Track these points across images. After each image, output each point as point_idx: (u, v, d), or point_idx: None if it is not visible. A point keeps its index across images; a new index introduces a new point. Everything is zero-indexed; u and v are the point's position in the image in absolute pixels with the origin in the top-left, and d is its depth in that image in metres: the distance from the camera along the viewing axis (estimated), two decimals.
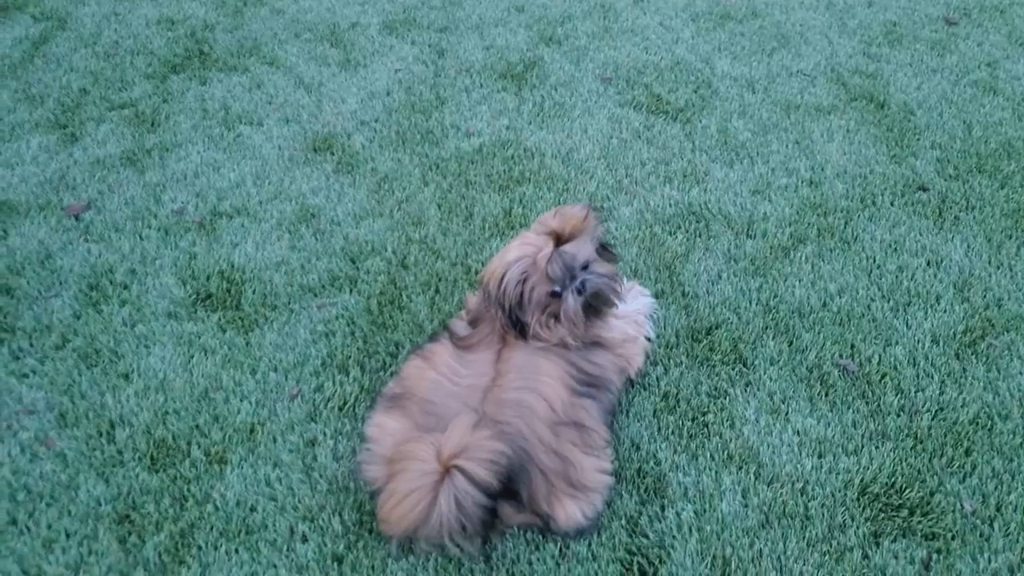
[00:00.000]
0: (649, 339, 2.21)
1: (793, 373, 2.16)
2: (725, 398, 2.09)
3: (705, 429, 2.02)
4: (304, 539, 1.76)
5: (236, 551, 1.72)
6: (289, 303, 2.33)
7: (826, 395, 2.10)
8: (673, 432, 2.01)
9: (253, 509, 1.81)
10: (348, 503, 1.82)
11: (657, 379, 2.14)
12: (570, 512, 1.75)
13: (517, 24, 3.84)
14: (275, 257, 2.48)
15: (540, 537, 1.77)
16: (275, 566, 1.70)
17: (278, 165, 2.87)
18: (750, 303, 2.37)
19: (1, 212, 2.60)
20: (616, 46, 3.69)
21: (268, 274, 2.42)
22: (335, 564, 1.71)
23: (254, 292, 2.36)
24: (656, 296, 2.37)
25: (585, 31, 3.80)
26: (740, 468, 1.92)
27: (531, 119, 3.16)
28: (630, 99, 3.30)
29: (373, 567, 1.70)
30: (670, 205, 2.74)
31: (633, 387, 2.12)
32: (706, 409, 2.06)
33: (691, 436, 2.00)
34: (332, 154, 2.93)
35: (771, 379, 2.15)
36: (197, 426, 1.98)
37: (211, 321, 2.26)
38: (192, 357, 2.16)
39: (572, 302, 1.81)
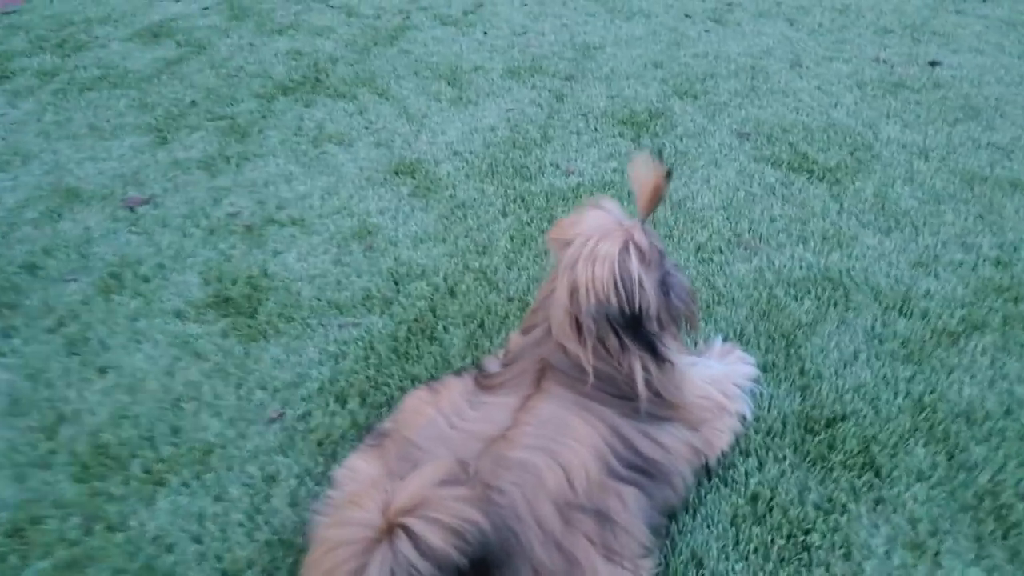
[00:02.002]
0: (743, 417, 1.63)
1: (952, 498, 1.48)
2: (842, 515, 1.45)
3: (805, 554, 1.38)
4: None
5: None
6: (308, 318, 1.97)
7: (1003, 537, 1.40)
8: (756, 550, 1.39)
9: (169, 549, 1.39)
10: (285, 564, 1.36)
11: (746, 474, 1.54)
12: None
13: (651, 78, 3.47)
14: (313, 270, 2.15)
15: None
16: None
17: (353, 183, 2.60)
18: (895, 395, 1.72)
19: (66, 198, 2.49)
20: (761, 105, 3.20)
21: (298, 285, 2.09)
22: None
23: (275, 302, 2.02)
24: (763, 369, 1.79)
25: (727, 89, 3.36)
26: None
27: None
28: (768, 155, 2.78)
29: None
30: (800, 267, 2.16)
31: (710, 479, 1.53)
32: (811, 526, 1.43)
33: (782, 560, 1.37)
34: (412, 178, 2.63)
35: (916, 500, 1.48)
36: (150, 437, 1.62)
37: (216, 326, 1.94)
38: (179, 360, 1.83)
39: (681, 278, 1.43)
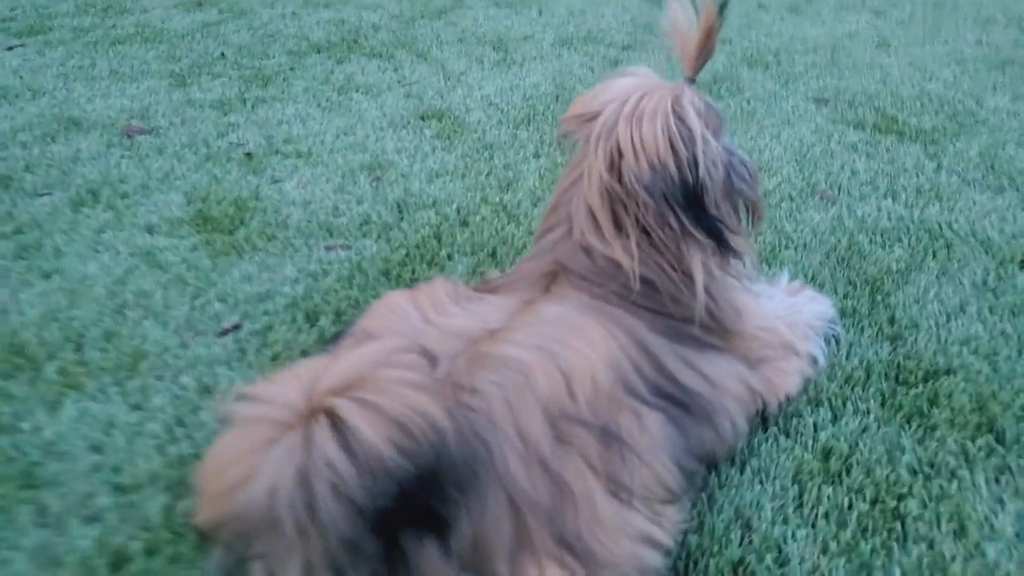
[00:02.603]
0: (814, 360, 1.25)
1: None
2: (950, 481, 1.05)
3: (898, 524, 0.99)
4: (92, 519, 0.99)
5: None
6: (293, 238, 1.68)
7: None
8: (827, 515, 1.00)
9: (60, 457, 1.09)
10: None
11: (815, 426, 1.16)
12: None
13: (720, 52, 3.14)
14: (310, 196, 1.88)
15: None
16: (17, 548, 0.95)
17: (372, 125, 2.34)
18: (1018, 352, 1.32)
19: (64, 125, 2.30)
20: (842, 76, 2.83)
21: (289, 209, 1.81)
22: (110, 570, 0.92)
23: (259, 222, 1.75)
24: (842, 315, 1.41)
25: (803, 61, 3.00)
26: None
27: None
28: (850, 118, 2.41)
29: None
30: (889, 218, 1.78)
31: (766, 429, 1.15)
32: (905, 491, 1.04)
33: (865, 530, 0.98)
34: (439, 121, 2.35)
35: None
36: (78, 341, 1.34)
37: (187, 240, 1.67)
38: (136, 270, 1.56)
39: (741, 154, 1.12)
